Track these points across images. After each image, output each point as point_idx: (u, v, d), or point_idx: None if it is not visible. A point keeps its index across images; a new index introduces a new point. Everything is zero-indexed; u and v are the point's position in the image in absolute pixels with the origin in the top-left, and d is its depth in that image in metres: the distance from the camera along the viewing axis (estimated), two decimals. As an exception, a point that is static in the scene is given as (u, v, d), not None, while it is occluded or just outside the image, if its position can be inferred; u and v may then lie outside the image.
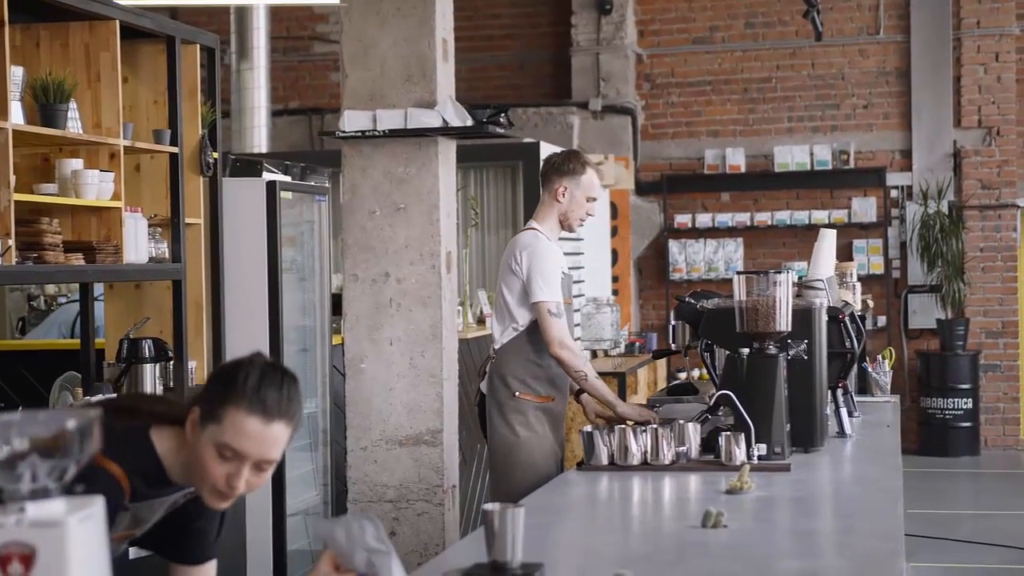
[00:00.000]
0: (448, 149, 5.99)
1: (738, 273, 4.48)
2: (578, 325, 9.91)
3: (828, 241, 5.54)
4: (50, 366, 6.13)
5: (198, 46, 5.91)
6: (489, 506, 2.75)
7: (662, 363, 11.32)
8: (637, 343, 11.29)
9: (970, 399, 12.22)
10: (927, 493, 10.55)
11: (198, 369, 5.88)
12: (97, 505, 1.81)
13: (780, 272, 4.44)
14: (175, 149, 5.61)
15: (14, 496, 1.77)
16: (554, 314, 5.09)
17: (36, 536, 1.73)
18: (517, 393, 5.21)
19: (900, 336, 12.65)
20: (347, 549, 2.53)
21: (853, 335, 5.05)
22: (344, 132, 5.83)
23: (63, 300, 8.73)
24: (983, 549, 8.48)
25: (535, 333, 5.20)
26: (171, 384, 5.62)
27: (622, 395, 9.06)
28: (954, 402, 12.20)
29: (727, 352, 4.58)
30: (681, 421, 4.39)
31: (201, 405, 2.60)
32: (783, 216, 12.72)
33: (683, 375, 12.39)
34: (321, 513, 6.87)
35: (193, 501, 2.78)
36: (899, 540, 3.10)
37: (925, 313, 12.55)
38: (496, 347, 5.33)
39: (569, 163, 5.32)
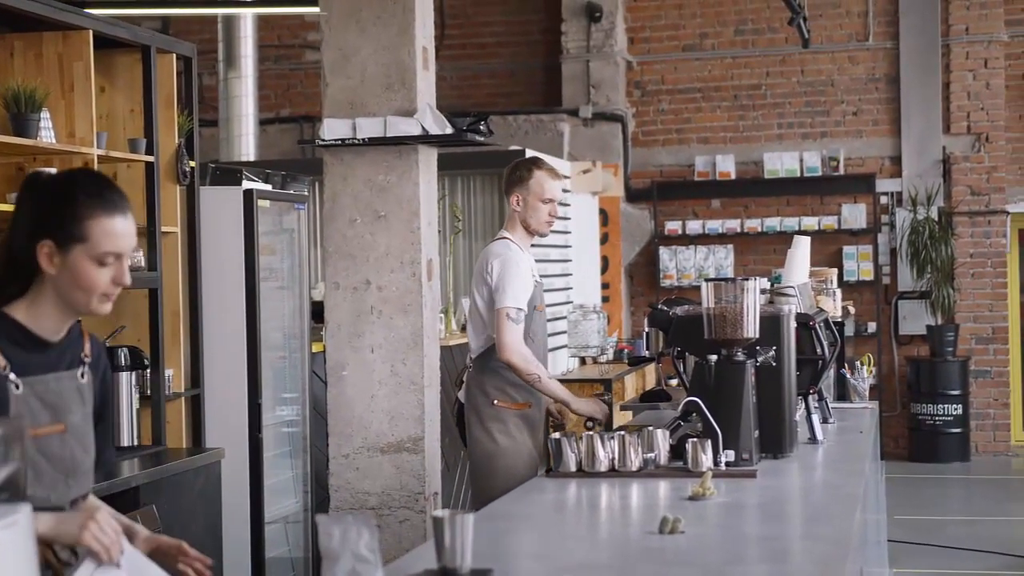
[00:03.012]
0: (429, 157, 6.00)
1: (706, 280, 4.49)
2: (563, 333, 9.93)
3: (802, 248, 5.56)
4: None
5: (174, 55, 5.93)
6: (438, 513, 2.78)
7: (651, 369, 11.33)
8: (626, 350, 11.29)
9: (960, 405, 12.22)
10: (916, 499, 10.56)
11: (175, 377, 5.90)
12: (23, 513, 1.83)
13: (748, 279, 4.45)
14: (151, 158, 5.63)
15: (-63, 504, 1.79)
16: (512, 319, 5.19)
17: (-43, 543, 1.75)
18: (496, 401, 5.30)
19: (890, 342, 12.67)
20: (336, 549, 2.55)
21: (825, 342, 5.06)
22: (324, 140, 5.85)
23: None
24: (970, 555, 8.48)
25: None
26: (148, 393, 5.64)
27: (610, 403, 9.07)
28: (944, 408, 12.20)
29: (696, 359, 4.59)
30: (650, 428, 4.41)
31: (51, 238, 2.67)
32: (773, 223, 12.74)
33: (674, 382, 12.39)
34: (301, 521, 6.87)
35: None
36: (848, 544, 3.11)
37: (915, 319, 12.56)
38: (473, 356, 5.41)
39: (516, 171, 5.45)
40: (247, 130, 10.54)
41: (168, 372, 5.79)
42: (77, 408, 2.77)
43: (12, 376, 2.65)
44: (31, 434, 2.59)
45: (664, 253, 12.94)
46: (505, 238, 5.40)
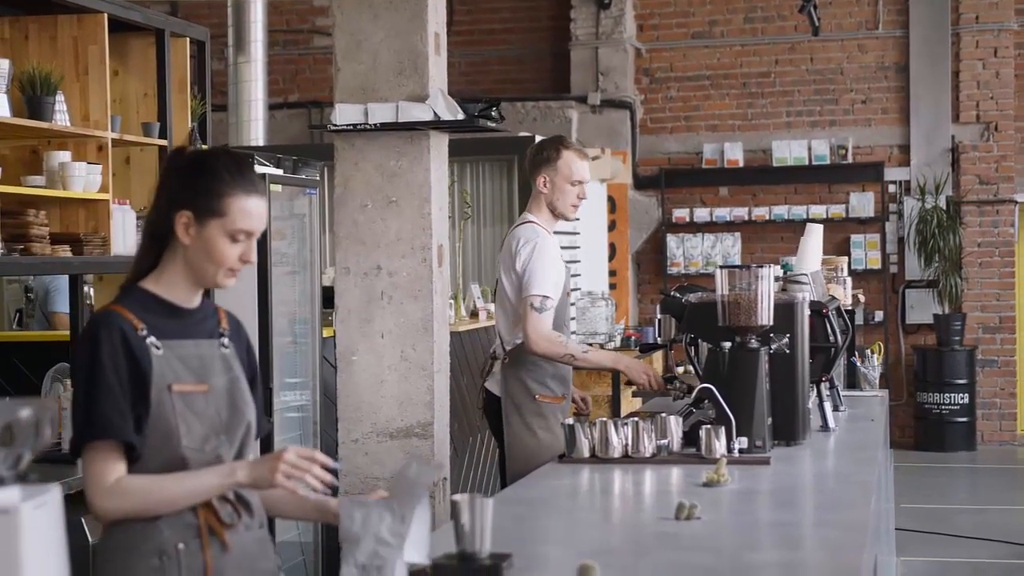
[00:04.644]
0: (440, 143, 6.00)
1: (720, 267, 4.49)
2: (573, 319, 9.93)
3: (814, 236, 5.55)
4: (43, 357, 6.16)
5: (188, 39, 5.93)
6: (458, 497, 2.78)
7: (659, 356, 11.33)
8: (634, 337, 11.29)
9: (967, 394, 12.22)
10: (922, 488, 10.57)
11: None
12: (52, 494, 1.83)
13: (762, 267, 4.45)
14: (164, 142, 5.63)
15: (-32, 484, 1.79)
16: (536, 309, 5.03)
17: (-11, 523, 1.76)
18: (537, 396, 5.13)
19: (897, 331, 12.67)
20: (358, 532, 2.57)
21: (837, 329, 5.06)
22: (336, 125, 5.85)
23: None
24: (976, 544, 8.49)
25: None
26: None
27: (615, 388, 9.04)
28: (950, 397, 12.21)
29: (709, 346, 4.59)
30: (663, 414, 4.41)
31: (190, 209, 2.80)
32: (781, 211, 12.73)
33: (680, 369, 12.40)
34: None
35: None
36: (865, 532, 3.11)
37: (922, 308, 12.56)
38: (507, 347, 5.21)
39: (543, 151, 5.26)
40: (256, 115, 10.51)
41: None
42: (220, 374, 2.88)
43: (152, 339, 2.78)
44: (176, 390, 2.77)
45: (671, 241, 12.93)
46: (531, 222, 5.23)
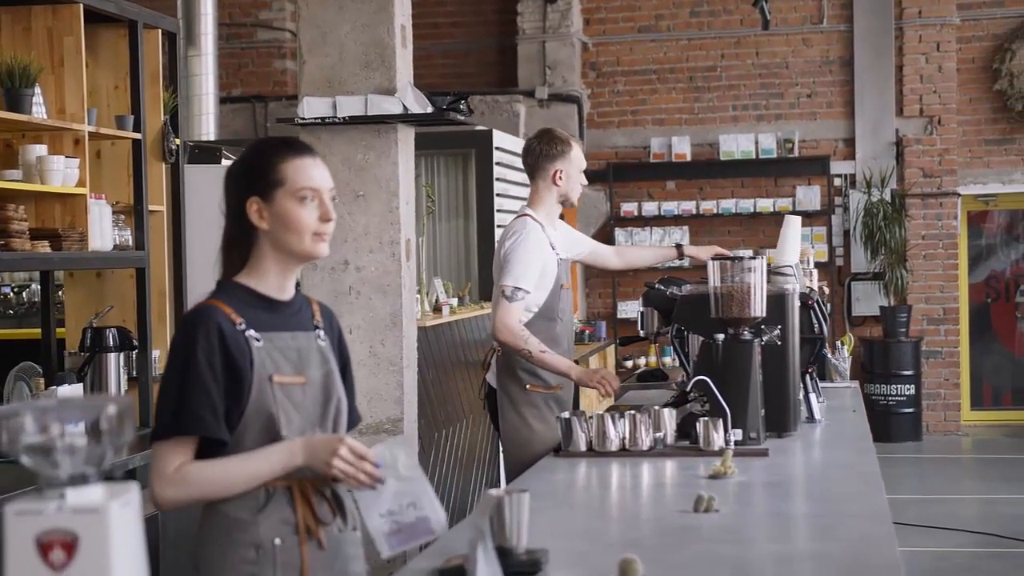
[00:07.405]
0: (407, 136, 5.98)
1: (713, 259, 4.49)
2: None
3: (794, 227, 5.57)
4: (8, 356, 6.05)
5: (160, 31, 5.84)
6: (495, 492, 2.75)
7: (611, 351, 11.37)
8: (587, 331, 11.33)
9: (912, 385, 12.36)
10: (873, 478, 10.67)
11: (162, 358, 5.81)
12: (134, 491, 1.79)
13: (755, 258, 4.46)
14: (138, 135, 5.53)
15: (53, 483, 1.75)
16: (506, 297, 5.02)
17: (77, 522, 1.72)
18: (528, 386, 5.13)
19: (844, 323, 12.77)
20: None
21: (823, 320, 5.09)
22: (304, 119, 5.79)
23: (7, 289, 8.63)
24: (924, 532, 8.59)
25: (540, 323, 5.11)
26: (135, 374, 5.55)
27: (576, 387, 9.00)
28: (897, 388, 12.33)
29: (701, 338, 4.59)
30: (657, 407, 4.41)
31: (255, 193, 2.83)
32: (728, 204, 12.80)
33: (629, 363, 12.45)
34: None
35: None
36: (890, 523, 3.12)
37: (868, 300, 12.68)
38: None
39: (556, 146, 5.28)
40: (208, 109, 10.38)
41: (155, 352, 5.71)
42: (317, 366, 2.88)
43: (251, 332, 2.80)
44: (277, 381, 2.78)
45: (620, 234, 12.95)
46: (526, 215, 5.21)
